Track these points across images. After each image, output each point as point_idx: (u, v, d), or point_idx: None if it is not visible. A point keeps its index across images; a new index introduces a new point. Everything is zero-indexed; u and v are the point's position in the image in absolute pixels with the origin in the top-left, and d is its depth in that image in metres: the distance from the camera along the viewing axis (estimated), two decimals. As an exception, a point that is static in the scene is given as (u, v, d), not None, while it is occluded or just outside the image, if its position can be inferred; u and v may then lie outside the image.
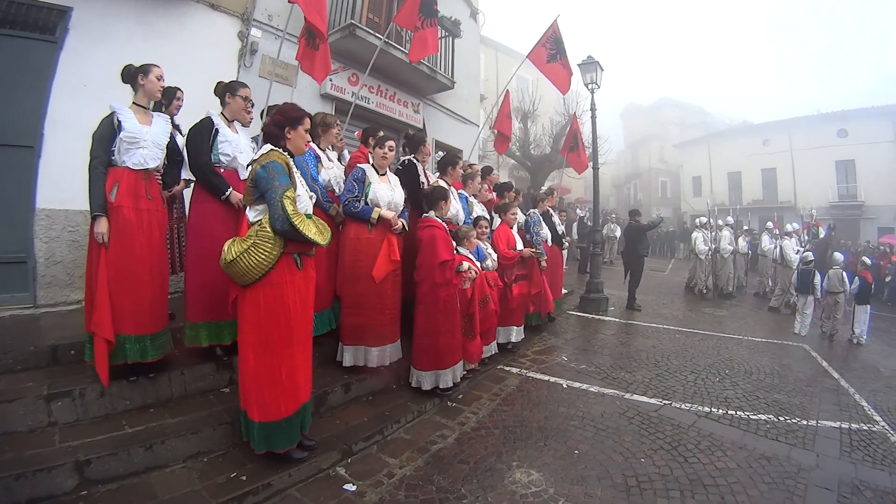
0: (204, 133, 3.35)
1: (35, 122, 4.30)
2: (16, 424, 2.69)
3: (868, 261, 8.79)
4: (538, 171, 17.12)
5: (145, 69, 3.12)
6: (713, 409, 4.58)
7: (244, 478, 2.78)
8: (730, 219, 12.61)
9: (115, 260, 2.92)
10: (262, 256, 2.61)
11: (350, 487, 2.95)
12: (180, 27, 5.27)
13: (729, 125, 37.69)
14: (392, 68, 7.89)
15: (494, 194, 6.39)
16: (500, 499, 2.93)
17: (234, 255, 2.59)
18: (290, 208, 2.59)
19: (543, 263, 6.04)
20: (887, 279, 14.87)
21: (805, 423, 4.49)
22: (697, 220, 12.54)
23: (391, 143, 4.23)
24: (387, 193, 4.09)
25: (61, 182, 4.31)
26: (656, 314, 9.20)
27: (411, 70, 7.94)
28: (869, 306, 8.32)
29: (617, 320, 8.37)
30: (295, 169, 2.84)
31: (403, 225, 4.12)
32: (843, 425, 4.54)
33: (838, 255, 8.84)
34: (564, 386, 4.94)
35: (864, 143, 24.92)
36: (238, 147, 3.50)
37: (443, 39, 8.50)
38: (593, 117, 9.13)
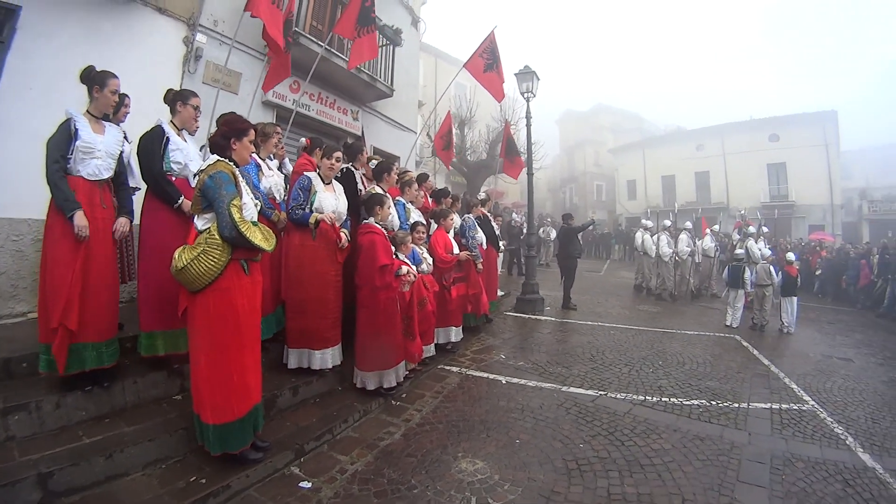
0: (156, 141, 3.37)
1: (-21, 126, 4.09)
2: (-28, 441, 2.61)
3: (792, 256, 9.48)
4: (475, 177, 17.57)
5: (102, 80, 3.12)
6: (647, 397, 4.92)
7: (203, 481, 2.86)
8: (688, 223, 13.15)
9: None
10: (212, 263, 2.72)
11: (306, 485, 3.08)
12: (126, 29, 5.17)
13: (664, 130, 39.67)
14: (333, 76, 7.99)
15: (431, 200, 6.63)
16: (448, 487, 3.13)
17: (185, 263, 2.69)
18: (237, 216, 2.72)
19: (479, 266, 6.34)
20: (818, 272, 15.84)
21: (737, 405, 4.87)
22: (645, 222, 13.20)
23: (339, 154, 4.40)
24: (331, 202, 4.26)
25: (5, 188, 4.19)
26: (591, 312, 9.62)
27: (351, 77, 8.06)
28: (795, 298, 8.98)
29: (553, 319, 8.73)
30: (241, 178, 2.95)
31: (347, 237, 4.29)
32: (774, 406, 4.94)
33: (766, 251, 9.54)
34: (503, 382, 5.19)
35: (794, 146, 26.91)
36: (188, 155, 3.55)
37: (383, 48, 8.68)
38: (528, 125, 9.54)
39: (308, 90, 7.52)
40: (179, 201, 3.40)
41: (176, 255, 2.74)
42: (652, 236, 12.42)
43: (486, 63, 7.81)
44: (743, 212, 17.75)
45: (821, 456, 3.92)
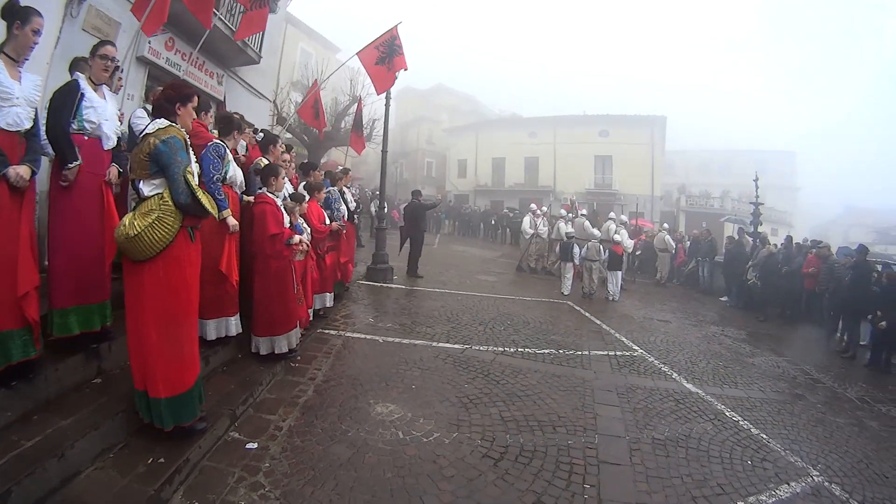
0: (69, 97, 3.01)
1: None
2: None
3: (617, 237, 10.98)
4: (317, 148, 17.06)
5: (25, 16, 2.67)
6: (506, 349, 5.91)
7: (162, 460, 2.78)
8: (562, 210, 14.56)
9: None
10: (166, 230, 2.69)
11: (252, 446, 3.26)
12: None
13: (499, 115, 41.84)
14: (208, 37, 7.16)
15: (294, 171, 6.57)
16: (374, 427, 3.66)
17: (139, 230, 2.60)
18: (193, 182, 2.75)
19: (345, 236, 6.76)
20: (638, 252, 17.53)
21: (580, 353, 6.05)
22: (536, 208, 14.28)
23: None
24: (239, 173, 4.34)
25: None
26: (436, 281, 10.49)
27: (225, 41, 7.46)
28: (619, 272, 10.66)
29: (404, 287, 9.43)
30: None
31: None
32: (611, 353, 6.21)
33: (595, 231, 11.16)
34: (381, 341, 5.75)
35: (622, 143, 30.42)
36: (104, 114, 3.20)
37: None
38: (387, 107, 9.88)
39: (181, 49, 6.68)
40: (72, 165, 2.98)
41: (126, 221, 2.65)
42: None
43: (379, 55, 7.70)
44: (574, 197, 19.83)
45: (654, 385, 5.25)
